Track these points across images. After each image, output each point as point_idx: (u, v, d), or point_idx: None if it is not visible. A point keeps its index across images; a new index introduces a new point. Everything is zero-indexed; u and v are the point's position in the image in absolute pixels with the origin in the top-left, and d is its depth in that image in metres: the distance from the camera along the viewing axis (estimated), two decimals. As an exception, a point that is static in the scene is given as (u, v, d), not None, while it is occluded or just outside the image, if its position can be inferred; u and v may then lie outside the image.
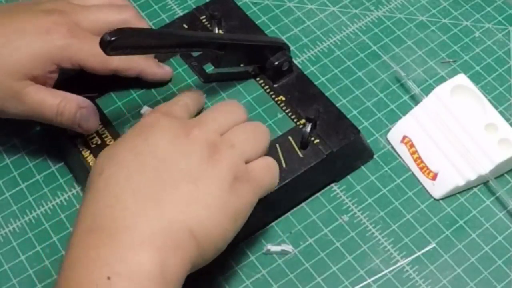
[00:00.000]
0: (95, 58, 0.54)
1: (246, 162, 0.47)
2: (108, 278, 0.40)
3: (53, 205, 0.56)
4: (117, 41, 0.47)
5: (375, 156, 0.57)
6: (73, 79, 0.57)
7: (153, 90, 0.60)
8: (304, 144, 0.54)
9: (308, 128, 0.54)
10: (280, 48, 0.59)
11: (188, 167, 0.44)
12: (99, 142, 0.56)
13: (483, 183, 0.55)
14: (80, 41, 0.54)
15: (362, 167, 0.56)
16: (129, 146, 0.45)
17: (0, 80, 0.52)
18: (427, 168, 0.55)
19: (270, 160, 0.49)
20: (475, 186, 0.55)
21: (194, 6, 0.65)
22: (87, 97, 0.57)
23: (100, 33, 0.48)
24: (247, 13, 0.64)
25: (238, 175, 0.45)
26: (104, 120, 0.57)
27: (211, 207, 0.43)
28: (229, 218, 0.44)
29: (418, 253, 0.52)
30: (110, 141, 0.56)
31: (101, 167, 0.44)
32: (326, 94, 0.59)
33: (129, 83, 0.59)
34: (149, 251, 0.41)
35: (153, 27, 0.64)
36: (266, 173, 0.48)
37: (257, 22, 0.63)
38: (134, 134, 0.46)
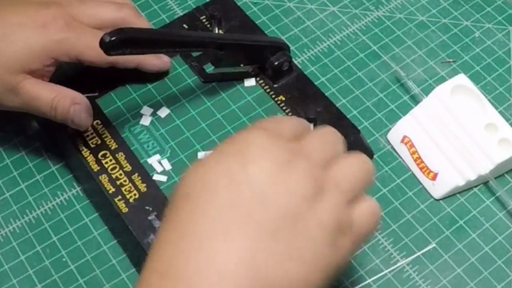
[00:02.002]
0: (93, 51, 0.53)
1: (349, 202, 0.41)
2: None
3: (53, 205, 0.56)
4: (117, 41, 0.47)
5: (375, 156, 0.57)
6: (73, 79, 0.57)
7: (153, 90, 0.60)
8: (304, 144, 0.54)
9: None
10: (280, 48, 0.59)
11: (288, 207, 0.38)
12: (99, 142, 0.56)
13: (483, 183, 0.55)
14: (77, 34, 0.53)
15: (362, 167, 0.56)
16: (222, 169, 0.39)
17: None
18: (427, 168, 0.55)
19: (375, 205, 0.44)
20: (475, 186, 0.55)
21: (194, 6, 0.65)
22: (87, 98, 0.57)
23: (96, 29, 0.48)
24: (247, 13, 0.64)
25: (342, 224, 0.40)
26: (104, 120, 0.57)
27: (307, 263, 0.38)
28: (323, 275, 0.39)
29: (418, 253, 0.52)
30: (110, 141, 0.56)
31: (189, 187, 0.39)
32: (326, 94, 0.59)
33: (129, 78, 0.59)
34: None
35: (153, 27, 0.64)
36: (370, 222, 0.43)
37: (257, 22, 0.63)
38: (229, 152, 0.40)
